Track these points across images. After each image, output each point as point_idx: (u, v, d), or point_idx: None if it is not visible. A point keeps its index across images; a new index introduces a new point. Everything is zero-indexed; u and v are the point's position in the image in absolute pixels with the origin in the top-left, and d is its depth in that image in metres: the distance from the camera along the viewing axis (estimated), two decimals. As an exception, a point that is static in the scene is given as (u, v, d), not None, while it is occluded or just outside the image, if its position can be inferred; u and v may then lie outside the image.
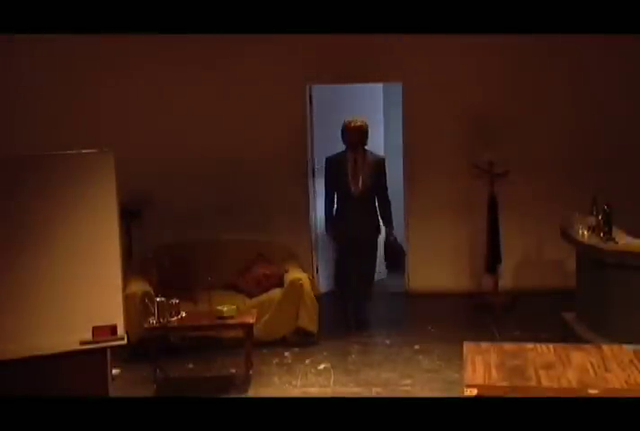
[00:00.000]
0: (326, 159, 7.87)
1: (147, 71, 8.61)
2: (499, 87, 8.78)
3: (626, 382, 4.36)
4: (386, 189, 7.84)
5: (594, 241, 6.93)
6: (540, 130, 8.84)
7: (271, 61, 8.67)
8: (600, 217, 7.02)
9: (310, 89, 8.74)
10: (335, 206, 7.84)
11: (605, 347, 4.94)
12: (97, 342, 5.17)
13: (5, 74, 8.46)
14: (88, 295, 5.15)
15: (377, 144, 8.80)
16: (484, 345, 5.09)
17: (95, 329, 5.18)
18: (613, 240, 6.83)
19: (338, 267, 7.96)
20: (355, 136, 7.68)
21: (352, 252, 7.80)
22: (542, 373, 4.50)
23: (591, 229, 7.09)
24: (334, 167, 7.74)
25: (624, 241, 6.87)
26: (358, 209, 7.69)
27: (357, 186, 7.66)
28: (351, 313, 7.92)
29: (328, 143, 8.19)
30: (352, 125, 7.69)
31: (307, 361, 7.10)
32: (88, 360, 5.18)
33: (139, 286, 7.24)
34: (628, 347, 4.89)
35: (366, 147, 7.82)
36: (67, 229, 5.11)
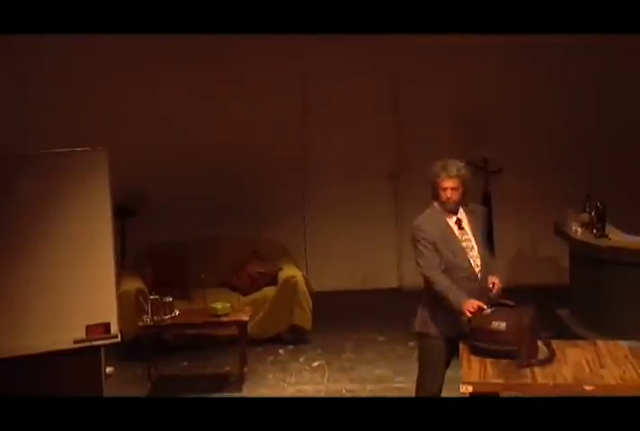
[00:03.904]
0: (416, 227, 5.00)
1: (145, 70, 8.56)
2: (493, 85, 8.79)
3: (621, 378, 4.37)
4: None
5: (587, 237, 6.95)
6: (535, 128, 8.85)
7: (268, 60, 8.65)
8: (593, 214, 7.03)
9: (306, 86, 8.72)
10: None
11: (600, 344, 4.95)
12: (91, 340, 5.15)
13: (5, 74, 8.42)
14: (82, 294, 5.13)
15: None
16: (480, 342, 5.07)
17: (89, 328, 5.15)
18: (606, 236, 6.85)
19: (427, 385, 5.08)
20: (457, 192, 4.95)
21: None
22: (537, 369, 4.50)
23: (585, 226, 7.11)
24: (434, 237, 4.94)
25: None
26: (474, 295, 4.98)
27: (469, 261, 5.03)
28: None
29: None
30: (451, 175, 4.92)
31: (302, 358, 7.10)
32: (82, 358, 5.16)
33: (133, 284, 7.22)
34: (623, 343, 4.89)
35: None
36: (61, 227, 5.09)
